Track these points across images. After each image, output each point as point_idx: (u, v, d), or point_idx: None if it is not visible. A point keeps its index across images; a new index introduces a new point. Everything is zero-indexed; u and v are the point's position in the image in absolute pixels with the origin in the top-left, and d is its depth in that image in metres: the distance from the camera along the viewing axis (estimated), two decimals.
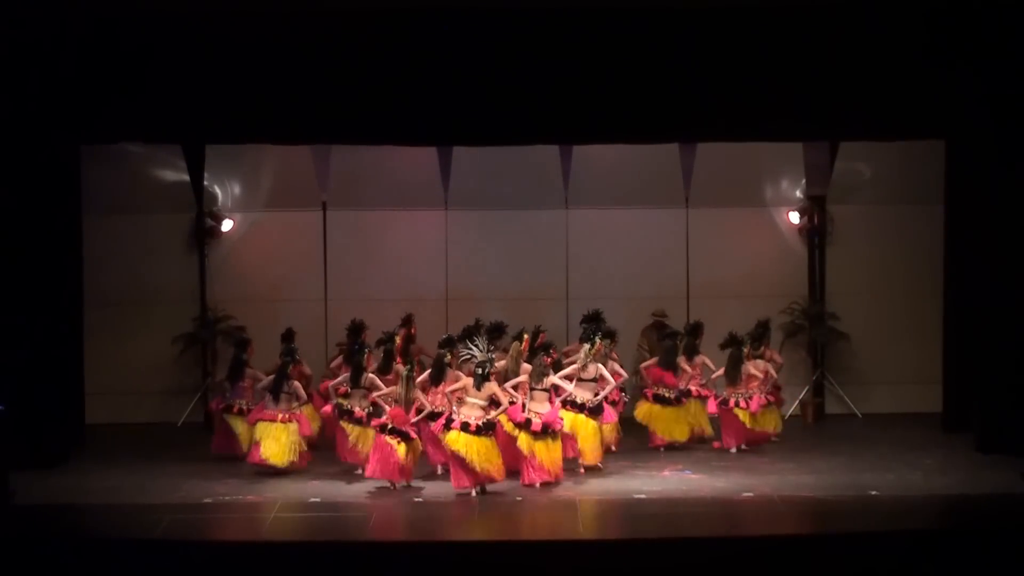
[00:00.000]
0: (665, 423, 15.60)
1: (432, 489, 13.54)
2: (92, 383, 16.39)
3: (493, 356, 13.73)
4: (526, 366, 14.25)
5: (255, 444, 14.33)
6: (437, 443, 13.92)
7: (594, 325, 14.95)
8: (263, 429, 14.33)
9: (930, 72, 14.54)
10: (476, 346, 13.72)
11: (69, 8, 14.29)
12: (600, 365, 14.51)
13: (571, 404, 14.22)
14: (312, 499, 13.25)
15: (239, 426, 15.05)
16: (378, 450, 13.48)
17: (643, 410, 15.72)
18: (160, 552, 11.48)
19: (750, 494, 13.28)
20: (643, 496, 13.27)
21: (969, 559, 11.25)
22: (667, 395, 15.63)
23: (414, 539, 12.24)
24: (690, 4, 14.53)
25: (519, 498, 13.24)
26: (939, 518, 12.73)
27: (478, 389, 13.42)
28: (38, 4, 14.29)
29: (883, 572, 11.27)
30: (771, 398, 15.79)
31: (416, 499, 13.28)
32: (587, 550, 11.60)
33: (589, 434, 14.28)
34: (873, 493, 13.19)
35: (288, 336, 15.50)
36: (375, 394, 14.03)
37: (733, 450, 15.45)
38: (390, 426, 13.45)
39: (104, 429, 16.53)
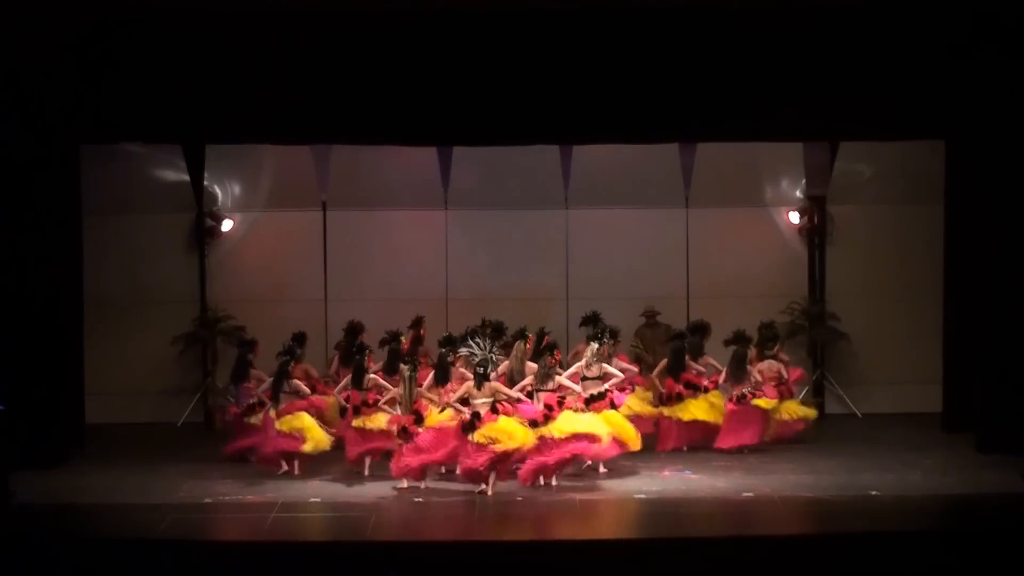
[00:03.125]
0: (703, 411, 15.52)
1: (432, 489, 13.53)
2: (92, 383, 16.39)
3: (494, 356, 13.71)
4: (531, 366, 14.23)
5: (288, 438, 14.21)
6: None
7: (597, 325, 14.97)
8: (291, 421, 14.25)
9: (930, 72, 14.55)
10: (477, 345, 13.70)
11: (69, 8, 14.29)
12: (604, 364, 14.52)
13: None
14: (312, 499, 13.25)
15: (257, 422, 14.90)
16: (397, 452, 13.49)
17: (693, 407, 15.52)
18: (160, 552, 11.48)
19: (750, 494, 13.28)
20: (643, 496, 13.27)
21: (969, 559, 11.25)
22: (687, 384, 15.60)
23: (414, 539, 12.24)
24: (691, 4, 14.54)
25: (519, 498, 13.23)
26: (939, 518, 12.72)
27: (479, 389, 13.40)
28: (38, 4, 14.29)
29: (883, 572, 11.27)
30: (790, 391, 15.85)
31: (416, 499, 13.28)
32: (587, 550, 11.60)
33: (618, 423, 14.21)
34: (873, 493, 13.19)
35: (299, 339, 15.42)
36: (383, 398, 14.01)
37: (735, 445, 15.38)
38: (399, 429, 13.45)
39: (104, 429, 16.52)
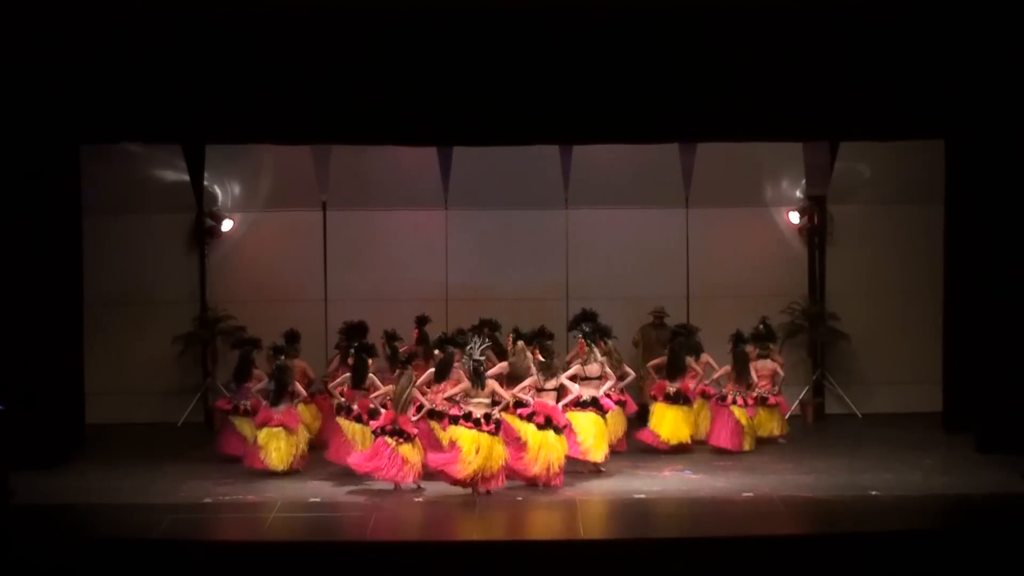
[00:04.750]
0: (673, 424, 15.54)
1: (432, 489, 13.53)
2: (92, 383, 16.39)
3: (483, 357, 13.68)
4: (530, 366, 14.21)
5: (255, 448, 14.30)
6: (434, 445, 13.89)
7: (592, 324, 14.98)
8: (267, 436, 14.28)
9: (930, 72, 14.56)
10: (471, 345, 13.68)
11: (69, 8, 14.29)
12: (603, 363, 14.53)
13: (576, 403, 14.17)
14: (312, 499, 13.25)
15: (245, 428, 14.95)
16: (378, 451, 13.47)
17: (657, 412, 15.60)
18: (160, 552, 11.49)
19: (750, 494, 13.28)
20: (643, 496, 13.27)
21: (969, 559, 11.25)
22: (676, 393, 15.57)
23: (414, 539, 12.24)
24: (690, 4, 14.54)
25: (519, 498, 13.23)
26: (939, 518, 12.73)
27: (480, 388, 13.38)
28: (38, 4, 14.29)
29: (883, 572, 11.27)
30: (777, 399, 15.80)
31: (416, 499, 13.28)
32: (587, 550, 11.59)
33: (596, 431, 14.23)
34: (873, 493, 13.19)
35: (290, 337, 15.47)
36: (374, 395, 14.01)
37: (720, 446, 15.38)
38: (389, 427, 13.45)
39: (104, 429, 16.52)
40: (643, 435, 15.54)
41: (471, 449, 13.11)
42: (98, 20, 14.32)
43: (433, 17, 14.41)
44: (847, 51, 14.48)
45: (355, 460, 13.55)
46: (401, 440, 13.39)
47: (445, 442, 13.45)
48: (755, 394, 15.63)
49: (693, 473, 14.34)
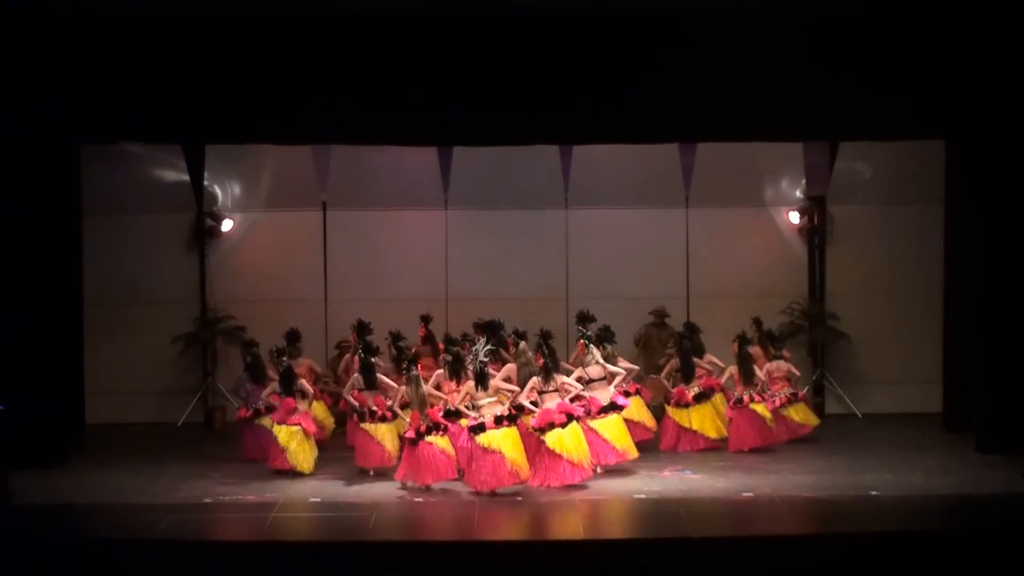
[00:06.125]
0: (713, 422, 15.52)
1: (433, 489, 13.52)
2: (92, 383, 16.40)
3: (488, 359, 13.67)
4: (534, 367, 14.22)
5: (280, 450, 14.21)
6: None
7: (594, 325, 14.99)
8: (287, 435, 14.24)
9: (930, 72, 14.56)
10: (476, 346, 13.69)
11: (69, 7, 14.29)
12: (603, 364, 14.53)
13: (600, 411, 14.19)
14: (312, 499, 13.25)
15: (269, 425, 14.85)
16: (419, 455, 13.41)
17: (696, 416, 15.58)
18: (160, 552, 11.49)
19: (750, 494, 13.28)
20: (643, 496, 13.27)
21: (970, 559, 11.25)
22: (700, 390, 15.60)
23: (414, 539, 12.24)
24: (690, 4, 14.54)
25: (519, 498, 13.23)
26: (939, 518, 12.73)
27: (483, 389, 13.38)
28: (38, 4, 14.29)
29: (883, 572, 11.27)
30: (800, 395, 15.84)
31: (416, 499, 13.28)
32: (587, 550, 11.60)
33: (621, 432, 14.25)
34: (873, 493, 13.19)
35: (292, 337, 15.47)
36: (393, 396, 13.99)
37: (746, 448, 15.38)
38: (424, 429, 13.41)
39: (104, 429, 16.53)
40: (683, 444, 15.54)
41: (512, 448, 13.16)
42: (98, 20, 14.33)
43: (433, 17, 14.41)
44: (847, 51, 14.49)
45: (400, 472, 13.61)
46: (440, 433, 13.37)
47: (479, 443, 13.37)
48: (787, 394, 15.65)
49: (693, 473, 14.34)
